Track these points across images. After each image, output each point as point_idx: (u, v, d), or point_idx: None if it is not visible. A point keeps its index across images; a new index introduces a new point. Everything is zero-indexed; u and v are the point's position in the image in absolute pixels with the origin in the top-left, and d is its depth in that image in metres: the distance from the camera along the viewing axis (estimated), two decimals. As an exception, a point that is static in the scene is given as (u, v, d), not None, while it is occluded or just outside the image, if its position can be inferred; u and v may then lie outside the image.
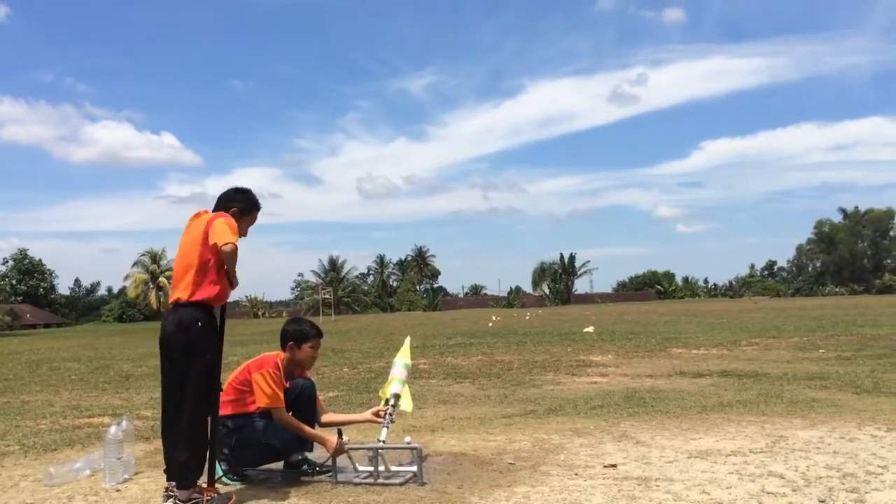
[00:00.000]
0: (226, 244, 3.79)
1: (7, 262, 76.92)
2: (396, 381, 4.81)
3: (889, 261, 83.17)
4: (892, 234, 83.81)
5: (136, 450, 5.17)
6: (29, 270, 76.18)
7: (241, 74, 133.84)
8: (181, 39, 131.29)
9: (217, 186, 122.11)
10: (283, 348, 4.56)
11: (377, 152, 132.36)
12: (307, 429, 4.38)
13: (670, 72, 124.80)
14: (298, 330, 4.57)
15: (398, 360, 5.04)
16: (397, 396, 4.74)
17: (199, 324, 3.89)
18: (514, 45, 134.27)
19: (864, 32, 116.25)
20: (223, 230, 3.85)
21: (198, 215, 4.14)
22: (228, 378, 4.44)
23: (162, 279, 68.19)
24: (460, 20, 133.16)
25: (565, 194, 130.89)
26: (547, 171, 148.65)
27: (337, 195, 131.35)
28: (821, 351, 11.83)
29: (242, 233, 4.17)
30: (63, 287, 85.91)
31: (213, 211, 4.18)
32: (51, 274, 78.23)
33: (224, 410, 4.21)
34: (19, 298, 72.04)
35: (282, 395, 4.33)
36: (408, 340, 5.45)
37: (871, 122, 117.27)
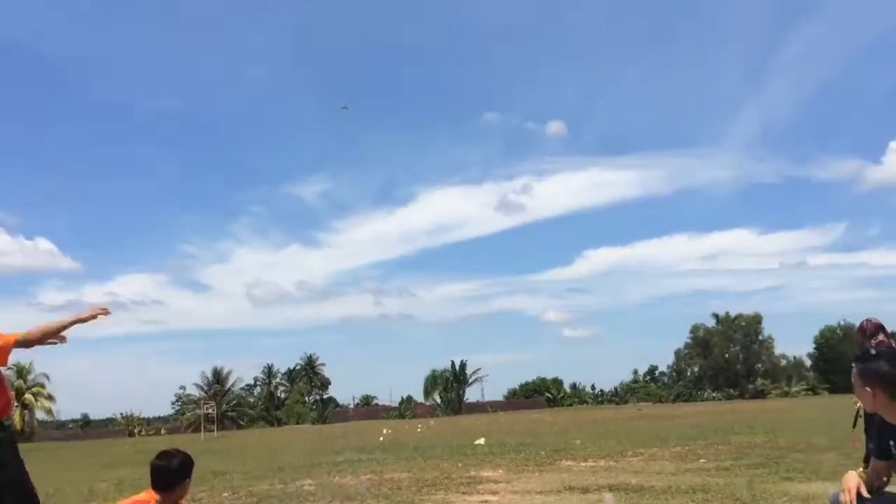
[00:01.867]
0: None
1: None
2: None
3: (759, 365, 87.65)
4: (760, 338, 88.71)
5: None
6: None
7: (124, 176, 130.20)
8: (59, 139, 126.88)
9: (95, 293, 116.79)
10: (163, 489, 4.22)
11: (268, 258, 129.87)
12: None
13: (554, 182, 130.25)
14: (184, 466, 4.31)
15: None
16: None
17: None
18: (406, 155, 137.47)
19: (726, 150, 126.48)
20: None
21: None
22: None
23: (28, 396, 63.34)
24: (353, 128, 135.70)
25: (456, 300, 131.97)
26: (438, 277, 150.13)
27: (224, 302, 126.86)
28: (702, 461, 12.16)
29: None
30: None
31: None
32: None
33: None
34: None
35: None
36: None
37: (736, 234, 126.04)
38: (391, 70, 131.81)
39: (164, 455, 4.33)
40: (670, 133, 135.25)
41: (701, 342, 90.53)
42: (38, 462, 3.77)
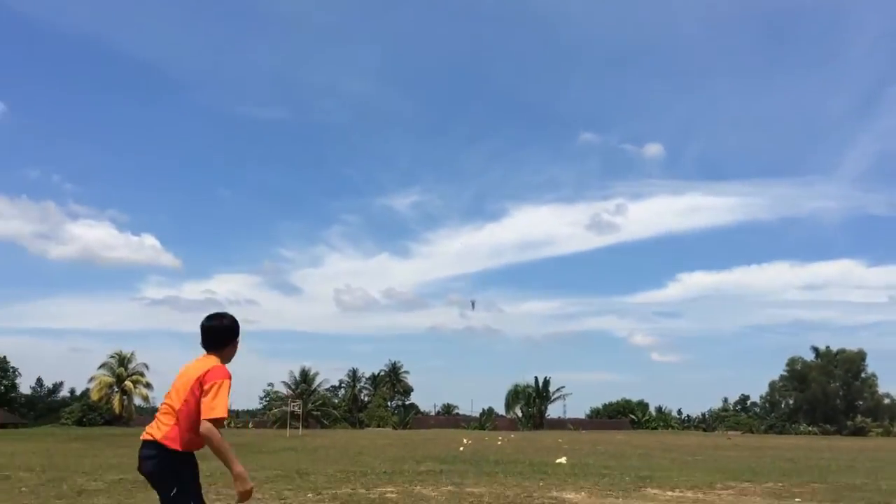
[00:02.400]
0: (212, 425, 3.81)
1: (-31, 358, 75.02)
2: None
3: (860, 402, 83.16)
4: (863, 375, 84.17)
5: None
6: (-9, 367, 74.19)
7: (229, 182, 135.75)
8: (173, 143, 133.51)
9: (194, 291, 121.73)
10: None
11: (358, 266, 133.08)
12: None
13: (649, 204, 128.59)
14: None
15: None
16: None
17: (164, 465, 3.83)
18: (500, 170, 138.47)
19: (835, 180, 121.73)
20: (221, 401, 3.87)
21: (206, 360, 4.17)
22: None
23: (128, 383, 66.49)
24: (449, 143, 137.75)
25: (542, 317, 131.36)
26: (525, 293, 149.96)
27: (314, 305, 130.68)
28: (797, 500, 11.60)
29: (229, 360, 4.25)
30: (25, 386, 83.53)
31: (207, 344, 4.21)
32: (14, 372, 76.21)
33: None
34: (-23, 397, 69.80)
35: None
36: None
37: (842, 265, 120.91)
38: (491, 86, 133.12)
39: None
40: (774, 159, 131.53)
41: (798, 375, 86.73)
42: (134, 444, 3.96)
